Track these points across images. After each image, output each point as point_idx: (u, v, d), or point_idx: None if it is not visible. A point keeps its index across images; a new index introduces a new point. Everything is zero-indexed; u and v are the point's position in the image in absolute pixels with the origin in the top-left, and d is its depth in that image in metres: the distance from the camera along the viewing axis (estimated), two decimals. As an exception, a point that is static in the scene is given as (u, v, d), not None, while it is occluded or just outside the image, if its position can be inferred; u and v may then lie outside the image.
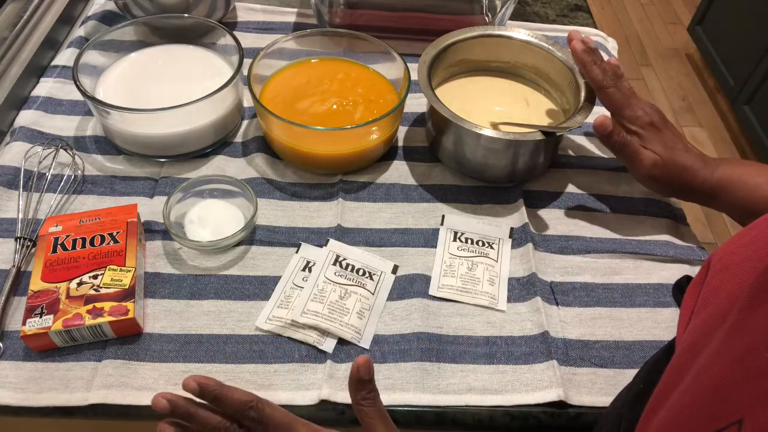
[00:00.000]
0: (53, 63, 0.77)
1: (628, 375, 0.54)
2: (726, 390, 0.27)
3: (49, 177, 0.64)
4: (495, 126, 0.67)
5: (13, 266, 0.57)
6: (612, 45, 0.90)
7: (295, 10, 0.89)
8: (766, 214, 0.33)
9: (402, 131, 0.74)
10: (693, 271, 0.62)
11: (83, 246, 0.56)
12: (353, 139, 0.65)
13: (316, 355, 0.54)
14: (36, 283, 0.53)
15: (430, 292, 0.59)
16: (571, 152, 0.73)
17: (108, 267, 0.55)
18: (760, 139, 1.87)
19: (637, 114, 0.61)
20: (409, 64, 0.68)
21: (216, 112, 0.66)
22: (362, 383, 0.47)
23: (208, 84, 0.65)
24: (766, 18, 1.87)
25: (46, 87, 0.74)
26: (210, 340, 0.54)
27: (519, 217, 0.65)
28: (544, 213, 0.67)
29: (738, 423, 0.24)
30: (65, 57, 0.77)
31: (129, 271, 0.55)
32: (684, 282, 0.60)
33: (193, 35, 0.75)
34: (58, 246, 0.56)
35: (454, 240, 0.63)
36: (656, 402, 0.33)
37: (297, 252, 0.61)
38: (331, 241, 0.61)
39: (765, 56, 1.85)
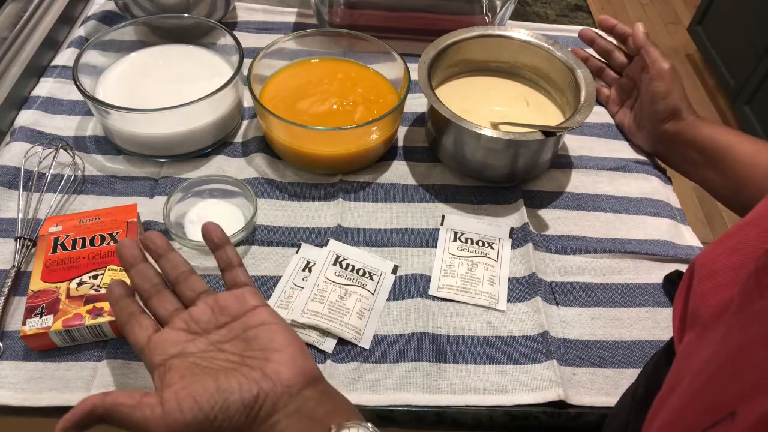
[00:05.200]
0: (53, 63, 0.77)
1: (628, 375, 0.54)
2: (720, 386, 0.28)
3: (49, 177, 0.64)
4: (495, 126, 0.67)
5: (13, 266, 0.57)
6: (612, 45, 0.90)
7: (295, 10, 0.89)
8: (743, 221, 0.34)
9: (402, 131, 0.74)
10: (693, 271, 0.62)
11: (83, 246, 0.56)
12: (353, 139, 0.65)
13: (316, 355, 0.54)
14: (36, 283, 0.53)
15: (430, 292, 0.59)
16: (571, 152, 0.73)
17: (108, 267, 0.55)
18: (760, 138, 1.87)
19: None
20: (409, 64, 0.68)
21: (216, 112, 0.66)
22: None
23: (208, 84, 0.65)
24: (766, 18, 1.87)
25: (46, 87, 0.74)
26: (210, 340, 0.54)
27: (519, 217, 0.65)
28: (544, 213, 0.67)
29: (731, 415, 0.25)
30: (65, 57, 0.77)
31: (129, 271, 0.55)
32: (675, 276, 0.60)
33: (193, 35, 0.75)
34: (58, 246, 0.56)
35: (454, 240, 0.63)
36: (657, 406, 0.34)
37: (297, 252, 0.61)
38: (331, 241, 0.61)
39: (765, 56, 1.86)
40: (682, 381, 0.31)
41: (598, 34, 0.78)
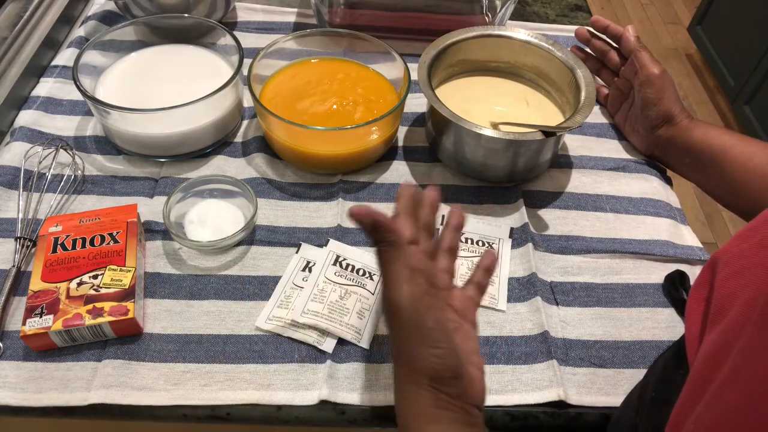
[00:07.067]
0: (53, 63, 0.77)
1: (628, 375, 0.54)
2: (760, 401, 0.26)
3: (49, 177, 0.64)
4: (495, 126, 0.67)
5: (13, 266, 0.57)
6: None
7: (295, 10, 0.89)
8: (765, 216, 0.33)
9: (402, 131, 0.74)
10: (693, 270, 0.62)
11: (83, 246, 0.56)
12: (353, 139, 0.65)
13: (316, 355, 0.54)
14: (36, 283, 0.53)
15: (430, 292, 0.59)
16: (571, 152, 0.73)
17: (108, 267, 0.55)
18: (760, 139, 1.87)
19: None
20: (409, 64, 0.68)
21: (216, 112, 0.66)
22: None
23: (208, 84, 0.65)
24: (766, 18, 1.87)
25: (46, 87, 0.74)
26: (210, 340, 0.54)
27: (519, 217, 0.65)
28: (544, 213, 0.67)
29: None
30: (65, 57, 0.77)
31: (129, 271, 0.55)
32: (676, 276, 0.60)
33: (193, 35, 0.75)
34: (58, 246, 0.56)
35: (454, 240, 0.63)
36: (680, 415, 0.33)
37: (297, 252, 0.61)
38: (331, 241, 0.61)
39: (765, 56, 1.86)
40: (707, 388, 0.30)
41: (592, 33, 0.77)
